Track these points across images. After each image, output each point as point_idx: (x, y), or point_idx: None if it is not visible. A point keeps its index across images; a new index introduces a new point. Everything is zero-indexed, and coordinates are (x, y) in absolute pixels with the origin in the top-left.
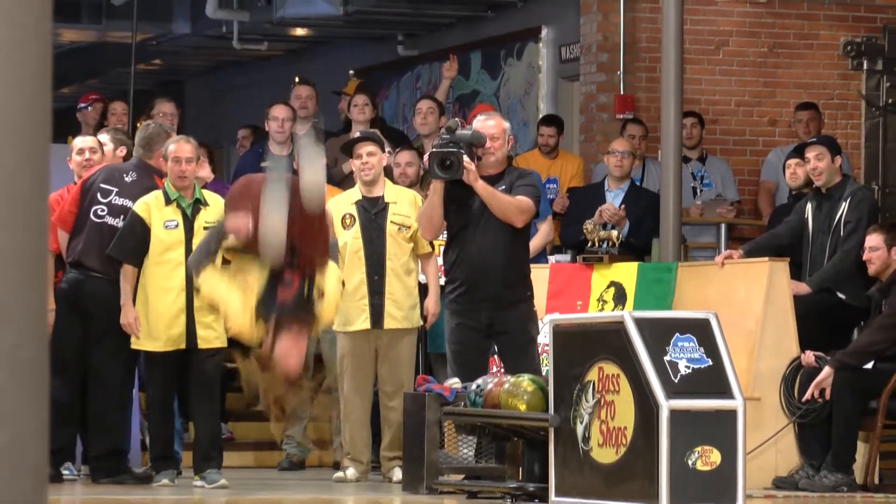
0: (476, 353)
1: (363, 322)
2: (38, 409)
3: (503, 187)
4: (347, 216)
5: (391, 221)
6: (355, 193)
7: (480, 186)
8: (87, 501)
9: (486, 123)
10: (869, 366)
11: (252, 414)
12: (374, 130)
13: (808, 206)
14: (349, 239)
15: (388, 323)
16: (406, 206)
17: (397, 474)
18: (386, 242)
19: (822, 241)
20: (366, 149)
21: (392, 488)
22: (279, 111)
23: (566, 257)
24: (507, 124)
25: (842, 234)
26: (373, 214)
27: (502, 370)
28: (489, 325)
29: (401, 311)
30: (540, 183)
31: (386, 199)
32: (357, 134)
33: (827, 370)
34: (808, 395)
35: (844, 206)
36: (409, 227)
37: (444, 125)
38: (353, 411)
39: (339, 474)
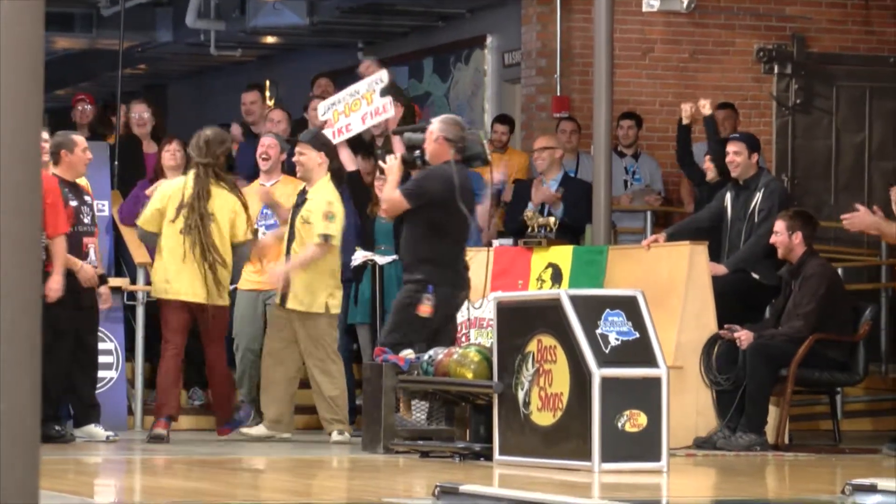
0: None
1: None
2: (33, 379)
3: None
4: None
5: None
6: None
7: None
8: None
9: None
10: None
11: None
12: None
13: (728, 196)
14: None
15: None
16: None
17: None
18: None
19: (739, 226)
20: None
21: (355, 448)
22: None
23: (509, 241)
24: (433, 126)
25: (756, 220)
26: (296, 206)
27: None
28: None
29: (296, 297)
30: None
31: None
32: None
33: (747, 333)
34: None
35: (759, 196)
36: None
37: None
38: (266, 372)
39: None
